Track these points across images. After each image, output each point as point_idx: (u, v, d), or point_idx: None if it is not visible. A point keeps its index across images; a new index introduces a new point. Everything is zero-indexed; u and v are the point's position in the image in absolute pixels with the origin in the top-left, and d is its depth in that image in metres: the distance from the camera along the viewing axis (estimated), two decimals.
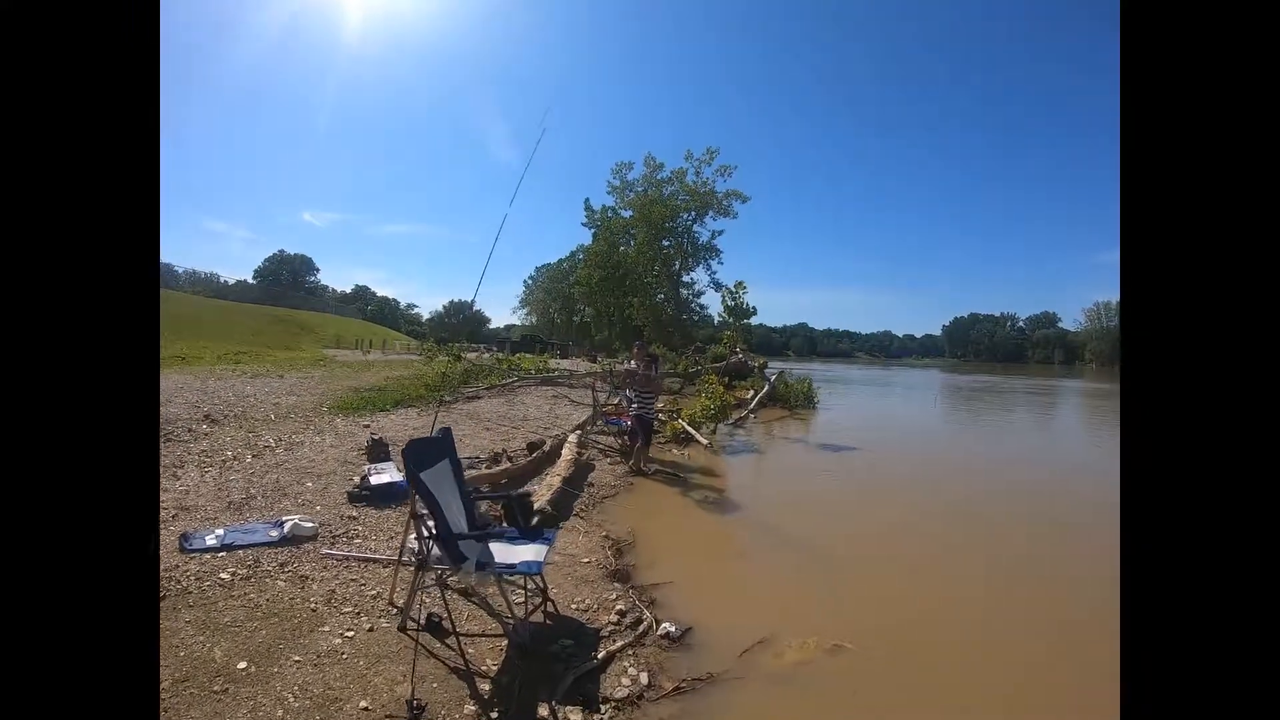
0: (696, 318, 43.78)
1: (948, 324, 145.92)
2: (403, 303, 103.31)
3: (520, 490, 5.71)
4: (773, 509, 7.30)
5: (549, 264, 66.65)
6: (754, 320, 21.93)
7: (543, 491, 6.21)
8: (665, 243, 40.46)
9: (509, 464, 7.35)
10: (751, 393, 17.54)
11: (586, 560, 4.89)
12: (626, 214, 41.44)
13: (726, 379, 15.72)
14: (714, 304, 64.30)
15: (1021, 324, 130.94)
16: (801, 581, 4.99)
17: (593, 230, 43.82)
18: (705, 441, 10.43)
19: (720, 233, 40.57)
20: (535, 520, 5.53)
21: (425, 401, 13.00)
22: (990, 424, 19.26)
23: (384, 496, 5.99)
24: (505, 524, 4.18)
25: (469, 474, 6.36)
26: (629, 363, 9.69)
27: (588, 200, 43.96)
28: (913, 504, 7.94)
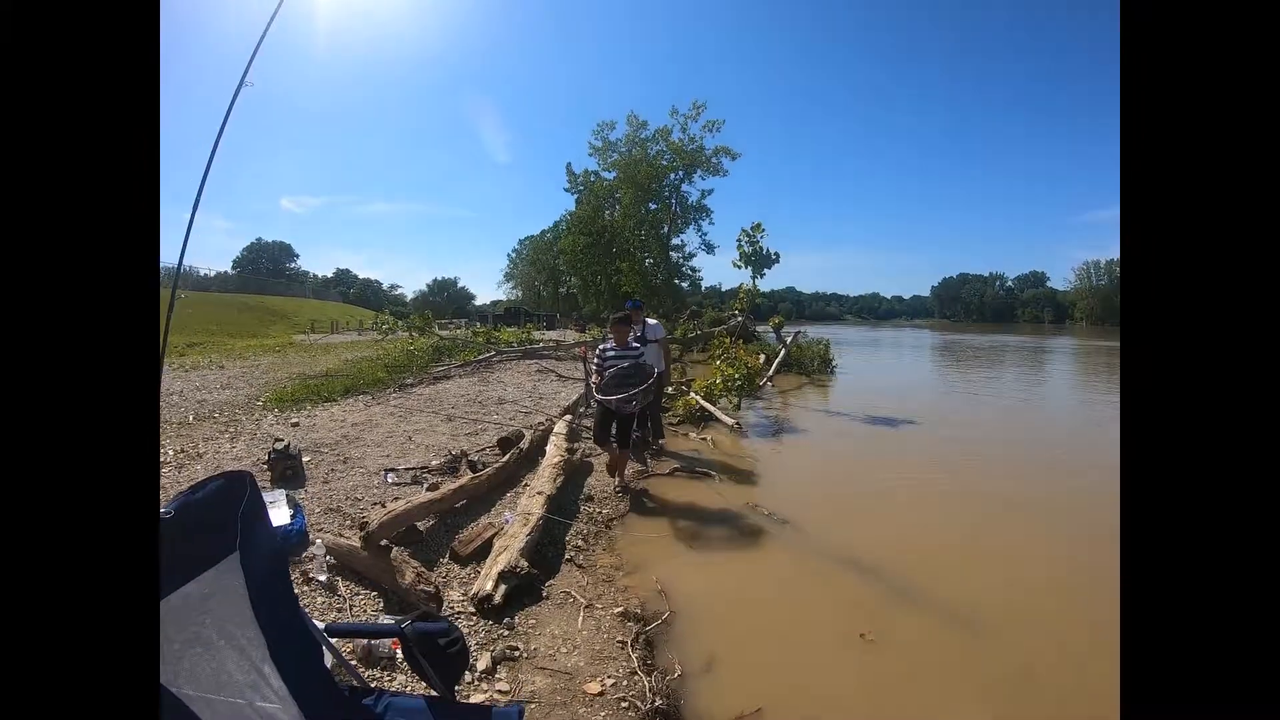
0: (688, 282, 41.44)
1: (937, 285, 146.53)
2: (385, 284, 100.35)
3: (421, 621, 1.72)
4: (861, 531, 4.94)
5: (532, 235, 63.87)
6: (747, 280, 19.02)
7: (515, 531, 3.95)
8: (652, 205, 37.93)
9: (468, 475, 5.09)
10: (763, 358, 15.29)
11: (596, 687, 2.63)
12: (610, 176, 38.88)
13: (740, 342, 13.37)
14: (706, 266, 62.05)
15: (1010, 284, 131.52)
16: (981, 688, 2.80)
17: (575, 195, 41.36)
18: (731, 422, 8.13)
19: (710, 192, 38.03)
20: (502, 589, 3.31)
21: (382, 386, 10.70)
22: (1030, 383, 17.20)
23: None
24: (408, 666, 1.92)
25: (400, 504, 4.09)
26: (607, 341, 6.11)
27: (569, 164, 41.39)
28: (1057, 515, 5.76)
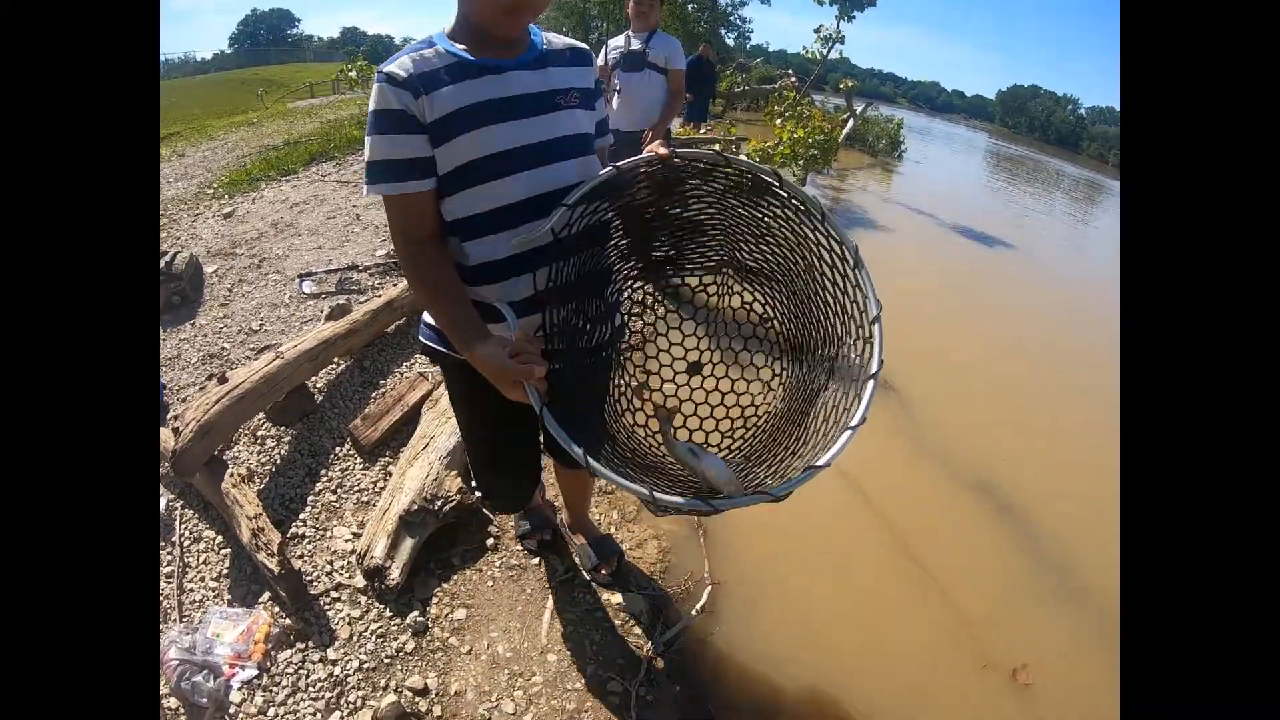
0: (735, 34, 35.63)
1: (1004, 89, 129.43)
2: (398, 38, 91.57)
3: None
4: (997, 431, 3.45)
5: None
6: (789, 48, 15.01)
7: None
8: None
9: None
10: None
11: None
12: None
13: (809, 99, 10.47)
14: (759, 17, 53.39)
15: (1083, 112, 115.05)
16: None
17: None
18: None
19: None
20: (404, 556, 1.79)
21: (355, 147, 8.74)
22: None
23: None
24: None
25: (258, 366, 2.47)
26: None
27: None
28: None
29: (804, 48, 11.41)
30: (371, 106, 1.04)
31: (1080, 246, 9.73)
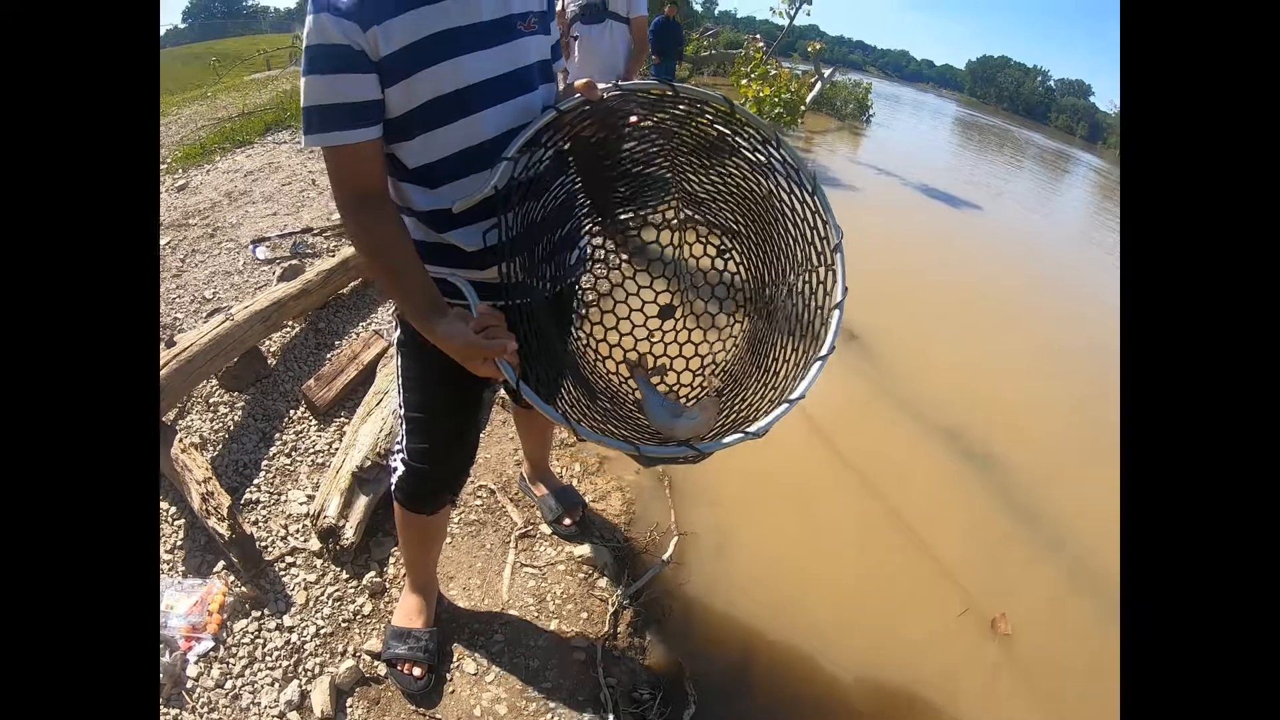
0: None
1: (974, 60, 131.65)
2: None
3: None
4: (962, 380, 3.46)
5: None
6: (757, 14, 14.89)
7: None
8: None
9: None
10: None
11: None
12: None
13: (776, 60, 10.40)
14: None
15: (1052, 84, 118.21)
16: None
17: None
18: None
19: None
20: (358, 514, 1.74)
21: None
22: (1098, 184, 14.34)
23: None
24: None
25: (208, 330, 2.39)
26: None
27: None
28: None
29: (770, 8, 11.32)
30: (308, 42, 0.89)
31: (1048, 209, 9.85)
